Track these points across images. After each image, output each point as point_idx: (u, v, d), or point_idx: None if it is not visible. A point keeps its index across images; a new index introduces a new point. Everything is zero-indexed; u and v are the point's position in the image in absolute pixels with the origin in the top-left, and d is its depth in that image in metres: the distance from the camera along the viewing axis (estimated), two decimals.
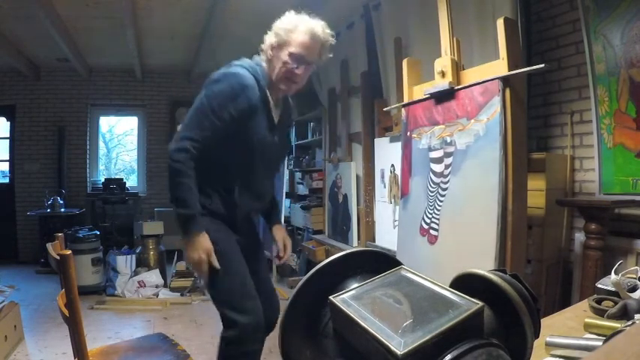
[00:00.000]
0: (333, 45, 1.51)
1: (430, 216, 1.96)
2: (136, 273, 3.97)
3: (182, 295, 3.83)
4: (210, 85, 1.41)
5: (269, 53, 1.46)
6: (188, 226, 1.33)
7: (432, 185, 1.96)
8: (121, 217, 5.23)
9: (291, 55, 1.41)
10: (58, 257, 1.04)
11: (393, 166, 2.94)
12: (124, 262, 3.96)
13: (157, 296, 3.81)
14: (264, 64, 1.48)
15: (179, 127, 1.43)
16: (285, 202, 4.54)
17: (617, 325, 0.84)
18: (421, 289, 0.51)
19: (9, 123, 5.28)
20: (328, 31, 1.47)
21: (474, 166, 1.73)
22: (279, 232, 1.67)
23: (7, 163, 5.33)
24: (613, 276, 1.02)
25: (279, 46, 1.42)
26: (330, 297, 0.51)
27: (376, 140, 3.22)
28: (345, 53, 3.84)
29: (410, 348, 0.40)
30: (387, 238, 3.01)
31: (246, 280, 1.42)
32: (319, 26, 1.43)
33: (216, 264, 1.35)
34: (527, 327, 0.48)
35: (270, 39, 1.46)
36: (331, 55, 1.55)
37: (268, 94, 1.46)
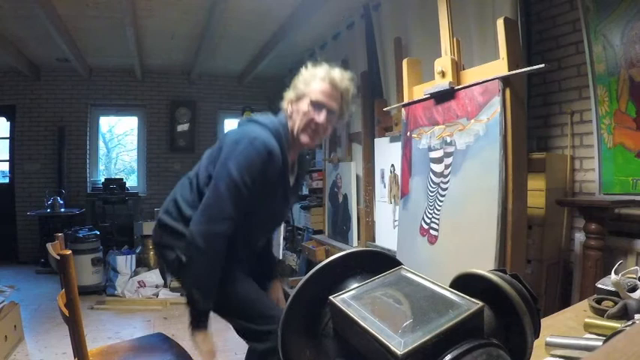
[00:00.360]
0: (355, 95, 1.46)
1: (430, 216, 1.96)
2: (136, 273, 3.97)
3: (182, 295, 3.83)
4: (235, 152, 1.27)
5: (289, 109, 1.41)
6: (203, 321, 1.28)
7: (432, 185, 1.96)
8: (121, 217, 5.23)
9: (311, 103, 1.36)
10: (58, 257, 1.04)
11: (393, 166, 2.94)
12: (124, 262, 3.96)
13: (157, 296, 3.81)
14: (285, 122, 1.41)
15: (205, 201, 1.28)
16: None
17: (617, 325, 0.84)
18: (421, 289, 0.51)
19: (9, 123, 5.28)
20: (349, 78, 1.42)
21: (474, 166, 1.73)
22: (275, 292, 1.62)
23: (7, 163, 5.33)
24: (613, 276, 1.02)
25: (298, 98, 1.38)
26: (330, 297, 0.51)
27: (376, 140, 3.22)
28: (345, 53, 3.84)
29: (410, 348, 0.40)
30: (387, 238, 3.01)
31: (262, 292, 1.43)
32: (338, 73, 1.39)
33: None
34: (527, 327, 0.48)
35: (289, 95, 1.42)
36: (354, 107, 1.49)
37: (288, 157, 1.39)
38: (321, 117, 1.36)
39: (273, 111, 1.49)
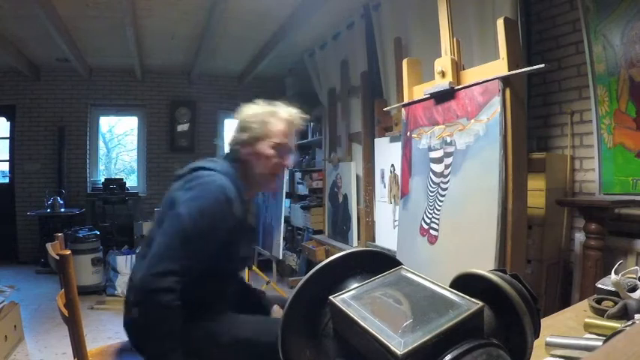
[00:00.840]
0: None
1: (430, 216, 1.96)
2: None
3: None
4: (189, 199, 1.11)
5: (244, 152, 1.26)
6: None
7: (432, 185, 1.96)
8: (121, 217, 5.22)
9: (275, 146, 1.26)
10: (57, 257, 1.04)
11: (393, 166, 2.94)
12: (124, 262, 3.96)
13: None
14: (234, 166, 1.26)
15: (153, 253, 1.08)
16: (285, 202, 4.54)
17: (617, 325, 0.84)
18: (421, 289, 0.51)
19: (9, 123, 5.27)
20: (300, 115, 1.35)
21: (474, 166, 1.73)
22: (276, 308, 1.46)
23: (7, 163, 5.32)
24: (613, 276, 1.02)
25: (257, 140, 1.26)
26: (330, 297, 0.51)
27: (376, 140, 3.22)
28: (345, 53, 3.84)
29: (410, 348, 0.40)
30: (387, 238, 3.01)
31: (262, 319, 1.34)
32: (292, 111, 1.33)
33: None
34: (527, 327, 0.48)
35: (240, 137, 1.27)
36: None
37: (244, 198, 1.26)
38: (289, 161, 1.30)
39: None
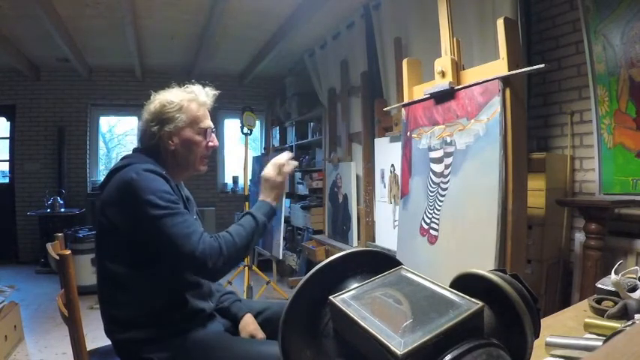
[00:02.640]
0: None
1: (430, 216, 1.96)
2: None
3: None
4: (135, 196, 1.07)
5: (169, 143, 1.22)
6: (273, 210, 1.25)
7: (432, 185, 1.96)
8: None
9: (200, 132, 1.25)
10: (57, 257, 1.04)
11: (393, 166, 2.94)
12: None
13: None
14: (154, 158, 1.22)
15: (169, 251, 1.08)
16: (285, 202, 4.54)
17: (617, 325, 0.84)
18: (421, 289, 0.51)
19: (9, 123, 5.28)
20: (213, 92, 1.32)
21: (474, 166, 1.73)
22: (247, 325, 1.33)
23: (7, 163, 5.32)
24: (613, 276, 1.02)
25: (179, 130, 1.22)
26: (330, 297, 0.51)
27: (376, 140, 3.22)
28: (345, 53, 3.84)
29: (410, 348, 0.40)
30: (387, 238, 3.01)
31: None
32: (205, 91, 1.31)
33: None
34: (527, 327, 0.48)
35: (161, 127, 1.21)
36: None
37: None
38: (215, 140, 1.30)
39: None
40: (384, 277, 0.55)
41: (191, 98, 1.27)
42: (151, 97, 1.30)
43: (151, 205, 1.06)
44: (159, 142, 1.23)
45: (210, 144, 1.29)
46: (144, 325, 1.13)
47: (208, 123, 1.28)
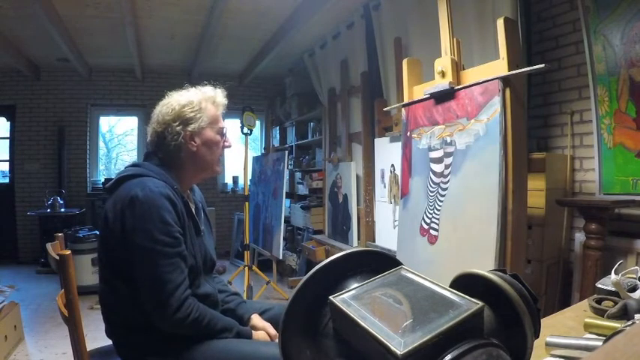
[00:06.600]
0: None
1: (430, 216, 1.96)
2: None
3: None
4: (133, 217, 1.07)
5: (191, 147, 1.21)
6: (243, 333, 1.21)
7: (432, 185, 1.96)
8: None
9: (220, 131, 1.27)
10: (57, 257, 1.04)
11: (393, 166, 2.94)
12: None
13: None
14: (166, 163, 1.22)
15: (144, 292, 1.08)
16: (286, 202, 4.54)
17: (617, 325, 0.84)
18: (421, 289, 0.51)
19: (9, 123, 5.27)
20: (225, 94, 1.33)
21: (474, 166, 1.73)
22: (257, 322, 1.34)
23: (7, 163, 5.32)
24: (613, 276, 1.02)
25: (200, 130, 1.22)
26: (330, 297, 0.51)
27: (376, 140, 3.22)
28: (345, 53, 3.84)
29: (410, 348, 0.40)
30: (387, 238, 3.01)
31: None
32: (223, 92, 1.31)
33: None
34: (527, 327, 0.48)
35: (183, 128, 1.19)
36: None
37: (182, 194, 1.20)
38: (230, 140, 1.31)
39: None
40: (384, 277, 0.55)
41: (208, 98, 1.27)
42: (165, 98, 1.28)
43: (145, 235, 1.06)
44: (180, 144, 1.20)
45: (226, 144, 1.31)
46: (146, 329, 1.13)
47: (222, 123, 1.30)
